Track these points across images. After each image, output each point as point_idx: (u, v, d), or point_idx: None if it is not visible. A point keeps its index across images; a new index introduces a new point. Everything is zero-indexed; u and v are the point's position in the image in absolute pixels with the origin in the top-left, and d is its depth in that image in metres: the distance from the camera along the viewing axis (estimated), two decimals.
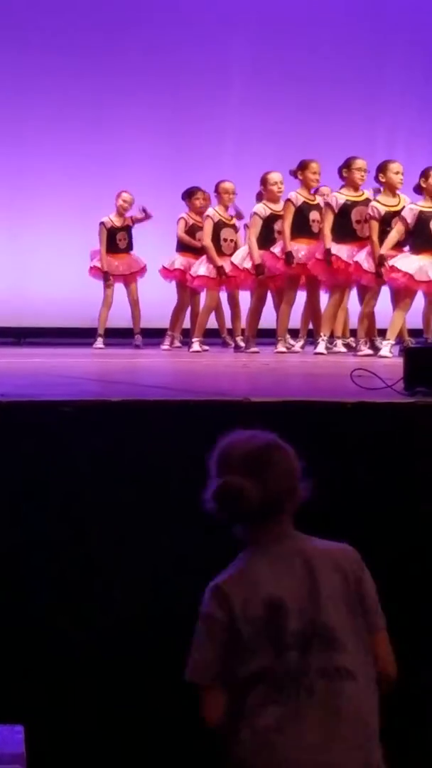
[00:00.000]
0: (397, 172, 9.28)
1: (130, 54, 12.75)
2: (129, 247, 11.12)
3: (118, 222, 11.05)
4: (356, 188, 9.51)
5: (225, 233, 10.18)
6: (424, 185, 9.02)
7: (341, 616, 2.62)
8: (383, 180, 9.31)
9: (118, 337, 11.29)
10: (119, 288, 11.15)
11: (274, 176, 9.89)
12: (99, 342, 10.89)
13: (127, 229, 11.10)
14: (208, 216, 10.21)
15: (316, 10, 13.40)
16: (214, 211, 10.21)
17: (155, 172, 12.00)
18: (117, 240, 11.04)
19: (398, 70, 13.62)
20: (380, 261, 9.03)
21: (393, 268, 8.93)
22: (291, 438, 4.09)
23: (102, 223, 11.03)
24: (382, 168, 9.34)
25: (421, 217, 8.98)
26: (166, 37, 12.86)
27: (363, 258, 9.22)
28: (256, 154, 12.04)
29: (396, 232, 9.05)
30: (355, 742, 2.57)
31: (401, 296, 9.09)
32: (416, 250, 9.02)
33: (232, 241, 10.16)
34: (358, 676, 2.60)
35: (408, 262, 8.93)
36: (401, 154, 10.73)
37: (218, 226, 10.16)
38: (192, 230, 10.68)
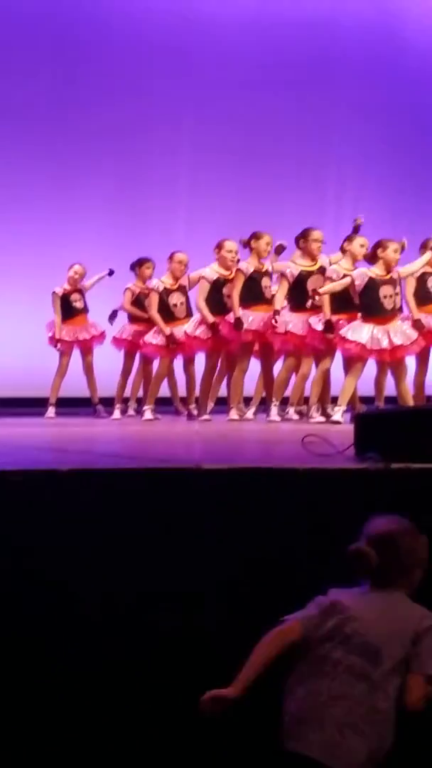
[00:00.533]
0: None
1: (82, 123, 12.82)
2: (85, 308, 11.10)
3: (71, 287, 11.06)
4: (313, 258, 9.63)
5: (173, 298, 10.21)
6: (381, 255, 9.11)
7: (392, 646, 3.37)
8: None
9: (74, 406, 11.23)
10: (74, 357, 11.11)
11: (230, 244, 9.94)
12: (50, 411, 10.83)
13: (80, 292, 11.10)
14: (151, 289, 10.25)
15: (266, 75, 13.56)
16: (159, 282, 10.25)
17: (107, 242, 12.04)
18: (72, 302, 11.01)
19: (345, 139, 13.82)
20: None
21: (345, 339, 9.01)
22: (244, 504, 4.11)
23: (54, 293, 11.01)
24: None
25: (370, 285, 9.06)
26: (115, 102, 12.94)
27: (315, 321, 9.33)
28: (207, 225, 12.11)
29: (340, 284, 9.17)
30: (336, 727, 3.28)
31: (353, 362, 9.14)
32: (366, 317, 9.08)
33: (182, 304, 10.19)
34: (377, 689, 3.33)
35: (359, 332, 9.00)
36: (348, 225, 10.84)
37: (164, 295, 10.18)
38: (139, 299, 10.74)
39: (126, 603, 3.90)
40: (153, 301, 10.21)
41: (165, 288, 10.17)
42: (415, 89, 14.11)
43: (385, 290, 9.05)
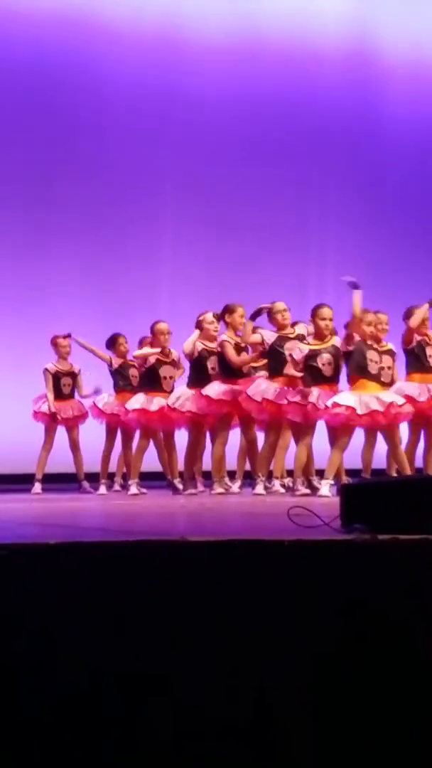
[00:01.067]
0: (323, 318, 9.47)
1: (64, 197, 12.92)
2: (72, 393, 11.13)
3: (63, 367, 11.09)
4: (283, 328, 9.69)
5: (164, 371, 10.26)
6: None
7: None
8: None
9: (60, 482, 11.22)
10: (59, 433, 11.12)
11: (209, 316, 10.03)
12: (37, 487, 10.82)
13: (72, 375, 11.13)
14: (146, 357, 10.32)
15: (247, 148, 13.71)
16: (152, 351, 10.30)
17: (88, 315, 12.09)
18: (62, 385, 11.06)
19: (324, 212, 13.96)
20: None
21: (334, 404, 9.00)
22: (229, 576, 4.10)
23: (46, 370, 11.04)
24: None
25: (357, 348, 9.13)
26: (97, 173, 13.05)
27: (292, 395, 9.39)
28: (189, 297, 12.19)
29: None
30: None
31: (339, 434, 9.14)
32: (355, 379, 9.16)
33: (171, 378, 10.24)
34: None
35: (348, 397, 9.02)
36: (331, 296, 10.95)
37: (156, 365, 10.24)
38: (120, 373, 10.84)
39: (112, 677, 3.87)
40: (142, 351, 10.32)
41: (157, 359, 10.22)
42: (393, 164, 14.29)
43: (371, 354, 9.10)
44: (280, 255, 13.62)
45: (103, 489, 10.78)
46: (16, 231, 12.66)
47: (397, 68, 14.61)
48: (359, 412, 8.87)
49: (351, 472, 10.05)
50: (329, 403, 9.00)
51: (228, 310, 9.92)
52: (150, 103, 13.37)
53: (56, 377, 11.02)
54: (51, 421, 10.98)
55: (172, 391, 10.16)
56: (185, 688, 3.89)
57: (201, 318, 10.10)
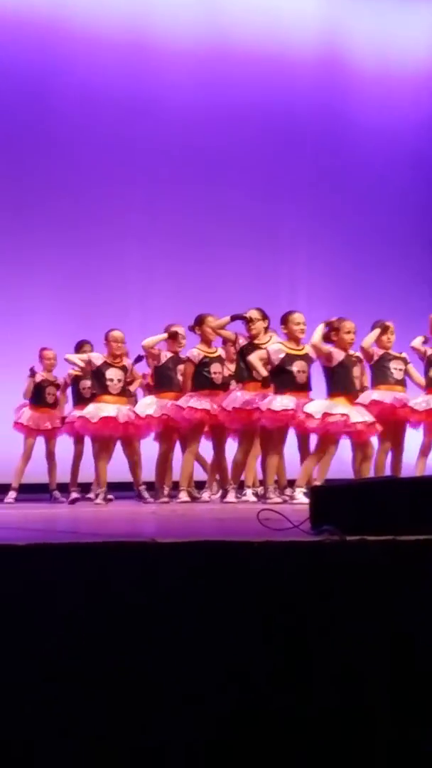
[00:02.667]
0: (298, 323, 9.52)
1: (41, 211, 12.93)
2: (55, 404, 11.12)
3: (49, 377, 11.09)
4: (256, 337, 9.73)
5: (110, 373, 10.18)
6: (334, 338, 9.26)
7: None
8: (285, 331, 9.57)
9: (33, 492, 11.21)
10: (39, 442, 11.13)
11: (211, 320, 10.02)
12: (11, 495, 10.81)
13: (56, 386, 11.13)
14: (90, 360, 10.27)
15: (214, 167, 13.75)
16: (98, 355, 10.26)
17: (64, 329, 12.07)
18: (46, 394, 11.06)
19: (295, 221, 14.01)
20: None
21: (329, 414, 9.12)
22: (200, 578, 4.13)
23: (33, 373, 11.01)
24: (283, 319, 9.60)
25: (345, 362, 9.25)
26: (67, 193, 13.06)
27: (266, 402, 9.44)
28: (159, 313, 12.22)
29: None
30: None
31: (321, 444, 9.23)
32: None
33: (119, 381, 10.16)
34: None
35: (319, 405, 9.16)
36: (303, 303, 11.01)
37: (103, 368, 10.17)
38: (77, 380, 10.91)
39: (88, 678, 3.88)
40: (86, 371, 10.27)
41: (104, 361, 10.17)
42: (360, 170, 14.40)
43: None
44: (250, 266, 13.65)
45: (73, 496, 10.77)
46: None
47: (366, 73, 14.71)
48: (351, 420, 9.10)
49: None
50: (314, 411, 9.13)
51: (198, 321, 10.00)
52: (117, 113, 13.38)
53: (41, 385, 11.04)
54: (30, 432, 10.97)
55: (119, 394, 10.11)
56: (159, 689, 3.92)
57: (200, 320, 10.08)
